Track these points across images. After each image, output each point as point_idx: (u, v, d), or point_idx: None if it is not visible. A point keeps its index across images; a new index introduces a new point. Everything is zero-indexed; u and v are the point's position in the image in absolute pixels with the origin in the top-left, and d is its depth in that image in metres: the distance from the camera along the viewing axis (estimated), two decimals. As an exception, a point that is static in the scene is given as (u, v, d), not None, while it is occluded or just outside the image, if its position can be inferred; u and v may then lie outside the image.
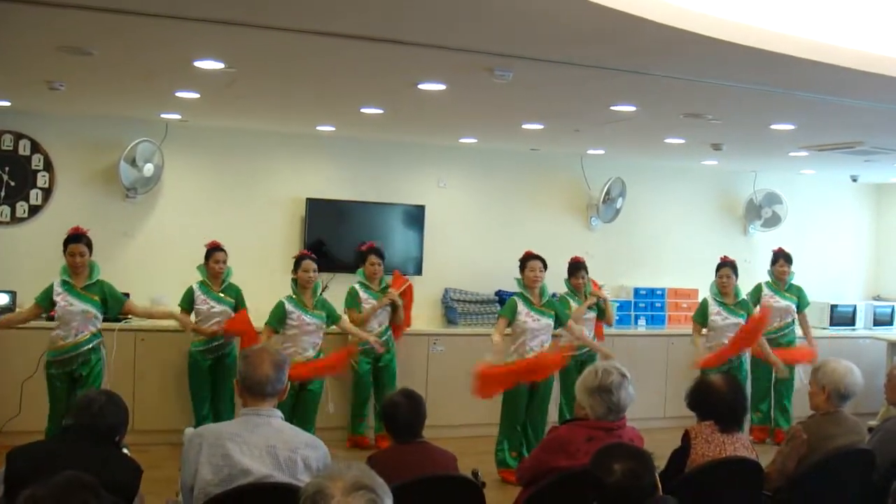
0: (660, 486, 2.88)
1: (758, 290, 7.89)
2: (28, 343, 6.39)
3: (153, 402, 6.82)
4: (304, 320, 6.40)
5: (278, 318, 6.40)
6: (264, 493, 3.00)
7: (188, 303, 6.66)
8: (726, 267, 7.33)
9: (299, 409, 6.40)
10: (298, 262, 6.55)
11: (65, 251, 5.86)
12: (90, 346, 5.90)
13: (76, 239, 5.87)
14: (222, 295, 6.70)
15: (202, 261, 6.70)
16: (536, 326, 6.32)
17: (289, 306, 6.40)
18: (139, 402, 6.48)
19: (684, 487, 3.49)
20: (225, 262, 6.71)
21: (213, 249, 6.71)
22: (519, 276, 6.50)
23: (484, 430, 7.64)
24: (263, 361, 3.22)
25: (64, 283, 5.87)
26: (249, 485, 3.00)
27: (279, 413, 3.22)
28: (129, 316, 6.74)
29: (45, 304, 5.91)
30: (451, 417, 7.38)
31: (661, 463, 3.50)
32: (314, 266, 6.49)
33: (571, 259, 7.21)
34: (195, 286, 6.68)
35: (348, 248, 7.74)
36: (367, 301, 6.97)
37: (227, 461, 3.02)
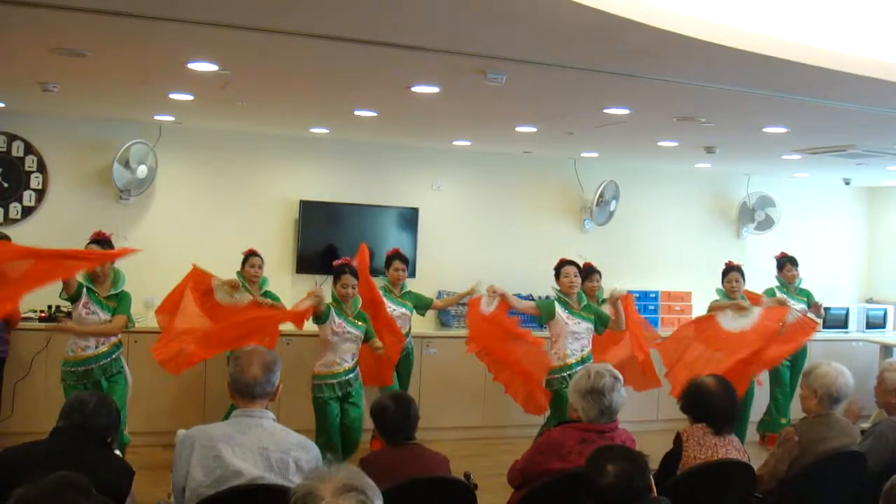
0: (654, 487, 2.88)
1: (770, 295, 7.59)
2: (21, 344, 6.37)
3: (145, 403, 6.81)
4: (346, 329, 6.11)
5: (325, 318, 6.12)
6: (256, 495, 3.00)
7: None
8: (734, 271, 7.05)
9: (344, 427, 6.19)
10: (337, 273, 6.21)
11: None
12: (112, 357, 5.71)
13: (97, 244, 5.67)
14: (266, 299, 6.55)
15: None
16: (578, 329, 6.30)
17: (333, 313, 6.10)
18: (131, 404, 6.46)
19: (676, 490, 3.49)
20: (261, 266, 6.58)
21: (250, 255, 6.65)
22: (556, 284, 6.50)
23: (477, 432, 7.67)
24: (252, 363, 3.22)
25: (88, 291, 5.65)
26: (241, 486, 3.00)
27: (271, 414, 3.21)
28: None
29: (78, 288, 5.59)
30: (444, 420, 7.39)
31: (653, 465, 3.50)
32: (353, 281, 6.15)
33: (584, 264, 7.08)
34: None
35: (342, 250, 7.72)
36: (389, 307, 6.75)
37: (219, 462, 3.02)
